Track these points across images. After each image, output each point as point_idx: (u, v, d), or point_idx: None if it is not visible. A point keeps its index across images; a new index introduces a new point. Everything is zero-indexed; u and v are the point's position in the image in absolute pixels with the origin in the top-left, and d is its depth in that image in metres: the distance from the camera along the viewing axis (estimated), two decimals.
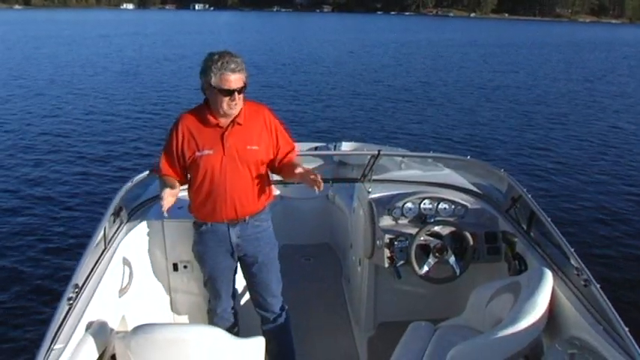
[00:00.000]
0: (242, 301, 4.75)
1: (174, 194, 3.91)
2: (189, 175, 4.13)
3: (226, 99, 3.84)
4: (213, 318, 4.47)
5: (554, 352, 3.28)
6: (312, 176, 3.87)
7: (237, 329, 4.56)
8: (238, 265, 4.44)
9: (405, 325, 4.26)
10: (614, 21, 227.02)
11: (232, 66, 3.79)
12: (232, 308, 4.53)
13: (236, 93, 3.84)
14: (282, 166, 4.21)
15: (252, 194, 4.13)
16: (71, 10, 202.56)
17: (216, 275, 4.34)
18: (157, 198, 5.06)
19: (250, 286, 4.50)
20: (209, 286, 4.44)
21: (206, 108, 3.99)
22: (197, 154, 3.97)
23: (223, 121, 3.98)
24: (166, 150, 4.08)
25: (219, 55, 3.84)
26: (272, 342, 4.49)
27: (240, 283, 4.61)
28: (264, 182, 4.19)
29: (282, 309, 4.54)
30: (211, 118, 3.96)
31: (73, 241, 9.34)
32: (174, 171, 4.09)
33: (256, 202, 4.18)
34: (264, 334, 4.46)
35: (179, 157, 4.03)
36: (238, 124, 3.99)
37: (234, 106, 3.89)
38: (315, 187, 3.84)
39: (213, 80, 3.81)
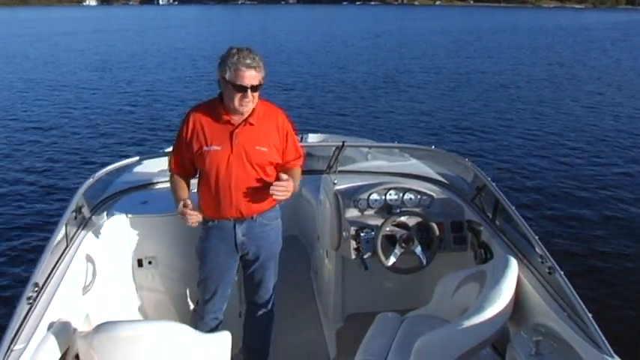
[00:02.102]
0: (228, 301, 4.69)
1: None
2: (198, 170, 4.09)
3: (238, 95, 3.76)
4: (197, 322, 4.32)
5: (520, 339, 3.30)
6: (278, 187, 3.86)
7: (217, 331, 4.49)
8: (237, 269, 4.40)
9: (373, 316, 4.26)
10: (577, 6, 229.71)
11: (248, 61, 3.71)
12: (222, 314, 4.42)
13: (249, 90, 3.76)
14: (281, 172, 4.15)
15: (258, 194, 4.04)
16: (32, 8, 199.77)
17: (214, 275, 4.24)
18: (124, 193, 5.07)
19: (246, 281, 4.45)
20: (203, 287, 4.31)
21: (219, 103, 3.94)
22: (205, 148, 3.91)
23: (235, 119, 3.91)
24: (177, 143, 4.05)
25: (238, 49, 3.77)
26: (252, 332, 4.55)
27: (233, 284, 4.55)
28: (271, 183, 4.07)
29: (271, 303, 4.51)
30: (223, 114, 3.90)
31: (33, 239, 9.19)
32: (183, 166, 4.07)
33: (262, 202, 4.11)
34: (246, 323, 4.54)
35: (188, 150, 3.98)
36: (250, 123, 3.92)
37: (245, 104, 3.81)
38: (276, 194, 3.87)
39: (228, 75, 3.74)
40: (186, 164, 4.06)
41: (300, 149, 4.29)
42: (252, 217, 4.12)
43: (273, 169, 4.09)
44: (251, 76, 3.74)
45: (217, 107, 3.93)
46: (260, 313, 4.49)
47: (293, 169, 4.21)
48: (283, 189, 3.85)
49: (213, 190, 3.97)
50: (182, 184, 4.09)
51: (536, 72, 30.70)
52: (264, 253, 4.29)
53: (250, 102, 3.83)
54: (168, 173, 4.20)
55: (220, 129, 3.92)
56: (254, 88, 3.79)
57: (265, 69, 3.88)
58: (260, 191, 4.04)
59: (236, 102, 3.79)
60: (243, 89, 3.75)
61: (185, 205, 3.86)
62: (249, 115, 3.92)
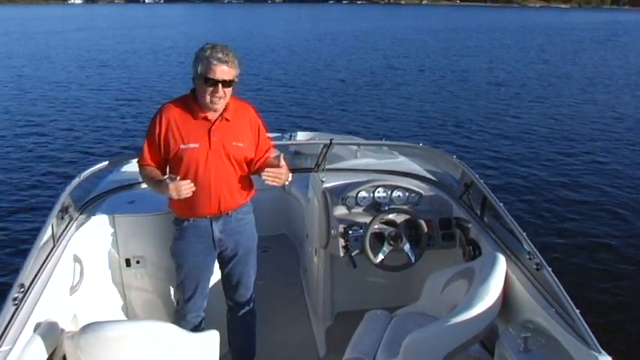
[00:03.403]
0: (210, 299, 4.68)
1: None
2: (169, 168, 4.00)
3: (210, 89, 3.72)
4: (179, 321, 4.28)
5: (509, 335, 3.31)
6: (273, 172, 3.87)
7: (201, 328, 4.45)
8: (215, 265, 4.39)
9: (363, 314, 4.27)
10: (562, 6, 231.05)
11: (220, 55, 3.68)
12: (203, 311, 4.41)
13: (220, 85, 3.71)
14: (260, 167, 4.13)
15: (236, 189, 4.08)
16: (18, 6, 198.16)
17: (193, 274, 4.23)
18: (111, 192, 5.04)
19: (225, 279, 4.43)
20: (183, 287, 4.29)
21: (192, 100, 3.89)
22: (182, 146, 3.85)
23: (211, 115, 3.88)
24: (149, 140, 3.94)
25: (212, 45, 3.75)
26: (237, 332, 4.54)
27: (212, 281, 4.53)
28: (246, 178, 4.15)
29: (252, 301, 4.51)
30: (198, 111, 3.86)
31: (19, 239, 9.10)
32: (156, 161, 3.98)
33: (239, 197, 4.14)
34: (230, 323, 4.52)
35: (162, 149, 3.91)
36: (226, 119, 3.91)
37: (217, 100, 3.77)
38: (268, 179, 3.85)
39: (200, 68, 3.71)
40: (158, 159, 3.98)
41: (269, 141, 4.30)
42: (227, 214, 4.12)
43: (248, 164, 4.10)
44: (223, 71, 3.71)
45: (191, 104, 3.89)
46: (243, 311, 4.50)
47: (270, 160, 4.21)
48: (273, 175, 3.85)
49: (191, 178, 3.88)
50: (157, 171, 3.99)
51: (523, 70, 30.84)
52: (243, 248, 4.31)
53: (222, 98, 3.79)
54: (140, 167, 4.08)
55: (197, 126, 3.88)
56: (226, 84, 3.75)
57: (240, 67, 3.86)
58: (237, 186, 4.09)
59: (207, 97, 3.76)
60: (214, 83, 3.71)
61: (172, 179, 3.76)
62: (224, 111, 3.91)
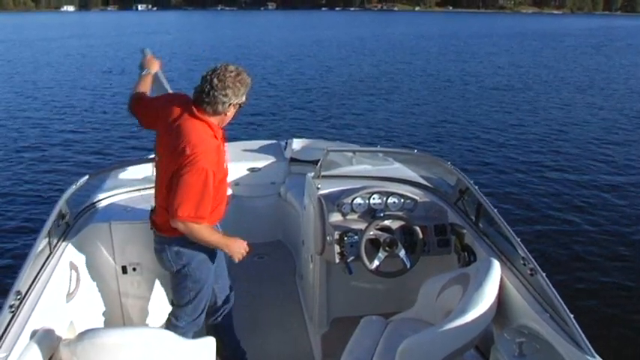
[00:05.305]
0: None
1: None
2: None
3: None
4: (181, 330, 4.10)
5: (504, 341, 3.33)
6: None
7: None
8: None
9: (358, 320, 4.27)
10: (555, 12, 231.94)
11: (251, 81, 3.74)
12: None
13: None
14: None
15: None
16: (9, 13, 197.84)
17: (210, 284, 4.18)
18: (107, 199, 5.05)
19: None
20: (200, 298, 4.14)
21: (212, 125, 3.73)
22: (223, 170, 3.86)
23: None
24: (210, 191, 3.63)
25: (240, 71, 3.74)
26: (226, 329, 4.53)
27: None
28: None
29: (231, 289, 4.53)
30: (217, 133, 3.76)
31: (16, 247, 9.09)
32: None
33: None
34: (221, 320, 4.48)
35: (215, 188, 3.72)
36: None
37: None
38: None
39: (245, 97, 3.75)
40: None
41: None
42: None
43: None
44: None
45: (215, 130, 3.74)
46: (228, 304, 4.49)
47: None
48: None
49: (220, 201, 3.91)
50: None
51: (518, 76, 30.88)
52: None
53: None
54: (198, 226, 3.69)
55: (222, 146, 3.84)
56: None
57: None
58: None
59: None
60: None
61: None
62: None
